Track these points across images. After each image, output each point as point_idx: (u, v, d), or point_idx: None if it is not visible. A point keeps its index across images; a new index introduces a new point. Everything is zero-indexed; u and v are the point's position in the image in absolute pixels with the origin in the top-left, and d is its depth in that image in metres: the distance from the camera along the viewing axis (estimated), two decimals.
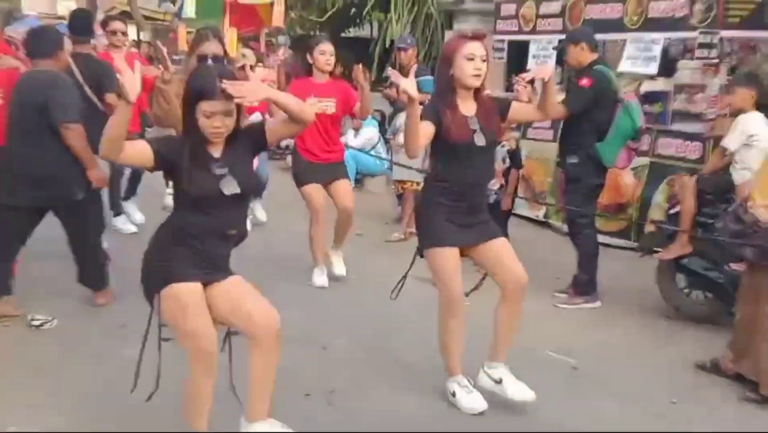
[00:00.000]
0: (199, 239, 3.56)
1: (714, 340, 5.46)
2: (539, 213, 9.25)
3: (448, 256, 4.34)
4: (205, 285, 3.60)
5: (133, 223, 8.21)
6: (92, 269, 5.91)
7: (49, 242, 6.04)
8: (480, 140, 4.30)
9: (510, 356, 4.59)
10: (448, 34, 11.75)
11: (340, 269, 6.86)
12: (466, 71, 4.25)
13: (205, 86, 3.44)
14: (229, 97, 3.41)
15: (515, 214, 7.94)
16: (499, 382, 4.41)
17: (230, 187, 3.52)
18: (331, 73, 6.68)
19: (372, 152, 10.67)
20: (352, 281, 6.81)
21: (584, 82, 6.22)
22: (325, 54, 6.51)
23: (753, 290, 4.83)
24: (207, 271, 3.60)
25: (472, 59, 4.23)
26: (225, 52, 5.40)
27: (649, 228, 6.89)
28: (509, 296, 4.38)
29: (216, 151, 3.57)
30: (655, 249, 6.39)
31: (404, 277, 4.67)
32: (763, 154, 5.50)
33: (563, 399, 4.61)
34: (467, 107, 4.35)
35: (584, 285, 6.40)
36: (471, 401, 4.39)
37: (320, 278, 6.71)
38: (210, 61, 5.05)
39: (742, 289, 5.00)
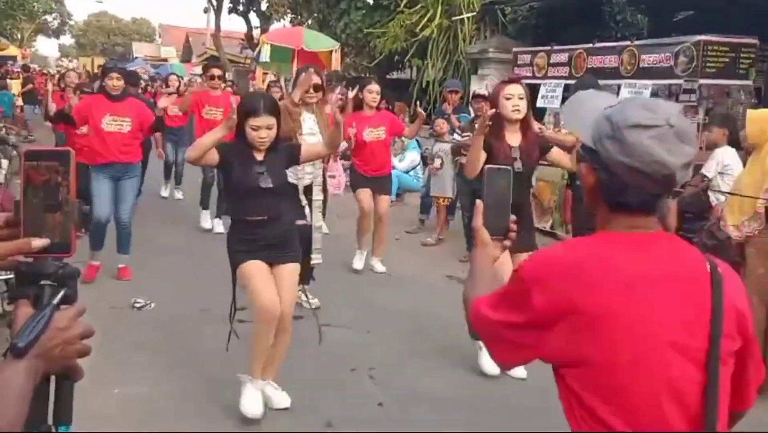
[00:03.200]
0: (251, 226, 3.79)
1: None
2: (546, 225, 9.14)
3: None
4: (270, 264, 3.80)
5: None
6: None
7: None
8: (518, 166, 4.25)
9: None
10: (474, 78, 11.71)
11: (380, 267, 6.93)
12: (507, 108, 4.28)
13: (253, 105, 3.72)
14: (271, 114, 3.71)
15: None
16: None
17: (266, 182, 3.75)
18: (377, 108, 6.84)
19: (412, 173, 10.67)
20: (392, 278, 6.79)
21: None
22: (372, 93, 6.67)
23: None
24: (267, 253, 3.79)
25: (509, 98, 4.28)
26: (322, 81, 5.41)
27: None
28: None
29: (259, 156, 3.79)
30: None
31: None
32: (734, 181, 5.39)
33: None
34: (513, 138, 4.36)
35: None
36: None
37: (358, 262, 6.90)
38: (312, 90, 5.23)
39: None
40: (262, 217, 3.78)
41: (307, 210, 5.27)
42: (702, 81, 7.33)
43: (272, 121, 3.72)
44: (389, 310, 5.69)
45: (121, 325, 5.09)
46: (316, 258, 5.37)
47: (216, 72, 8.22)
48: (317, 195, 5.35)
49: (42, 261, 1.14)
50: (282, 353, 3.89)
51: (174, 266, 6.51)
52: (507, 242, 1.75)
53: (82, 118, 6.23)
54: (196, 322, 5.18)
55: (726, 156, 5.79)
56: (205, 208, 8.50)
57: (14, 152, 7.74)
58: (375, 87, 6.76)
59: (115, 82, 6.10)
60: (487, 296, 1.56)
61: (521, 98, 4.30)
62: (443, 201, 8.35)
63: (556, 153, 4.53)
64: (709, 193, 5.82)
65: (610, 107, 1.45)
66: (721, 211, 4.94)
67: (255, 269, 3.74)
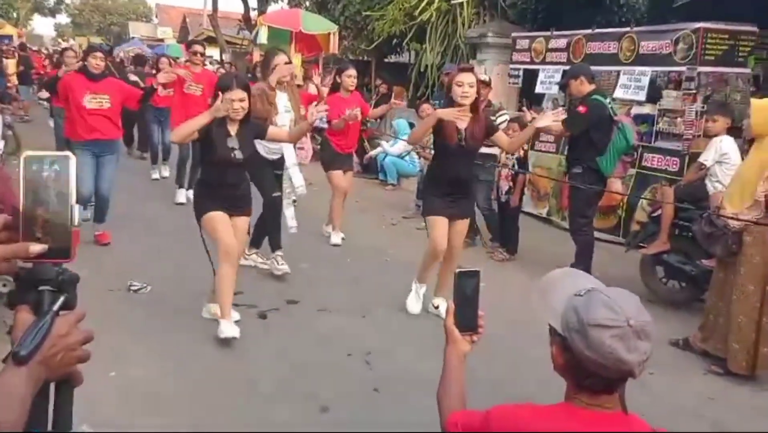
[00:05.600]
0: (217, 187, 4.55)
1: (685, 322, 5.36)
2: (543, 211, 9.13)
3: (438, 222, 5.00)
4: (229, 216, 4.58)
5: None
6: None
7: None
8: (461, 144, 4.84)
9: (517, 327, 4.57)
10: (472, 63, 11.63)
11: (336, 239, 7.20)
12: (456, 93, 4.77)
13: (226, 82, 4.52)
14: (242, 90, 4.42)
15: (523, 212, 7.82)
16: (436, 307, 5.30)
17: (238, 155, 4.52)
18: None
19: (407, 158, 10.62)
20: (388, 262, 6.78)
21: (581, 109, 6.11)
22: (351, 77, 6.99)
23: (720, 282, 4.73)
24: (225, 206, 4.56)
25: (460, 85, 4.75)
26: (290, 62, 5.96)
27: (634, 227, 6.75)
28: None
29: (232, 130, 4.53)
30: (639, 245, 6.26)
31: None
32: (733, 171, 5.37)
33: None
34: (462, 120, 4.83)
35: None
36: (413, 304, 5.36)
37: (335, 238, 7.20)
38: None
39: (712, 281, 4.89)
40: (231, 182, 4.58)
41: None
42: (701, 68, 7.28)
43: (244, 95, 4.44)
44: (385, 294, 5.68)
45: (117, 308, 5.07)
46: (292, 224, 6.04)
47: (198, 48, 8.50)
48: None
49: (41, 266, 1.12)
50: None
51: (170, 249, 6.47)
52: (476, 337, 1.95)
53: (64, 95, 6.53)
54: (193, 304, 5.15)
55: (724, 145, 5.76)
56: (181, 186, 8.68)
57: (9, 132, 7.67)
58: (353, 71, 7.08)
59: (98, 61, 6.41)
60: (461, 421, 1.76)
61: (471, 86, 4.74)
62: None
63: (498, 136, 5.09)
64: (707, 181, 5.80)
65: (579, 295, 1.60)
66: (720, 200, 4.92)
67: (219, 217, 4.53)
